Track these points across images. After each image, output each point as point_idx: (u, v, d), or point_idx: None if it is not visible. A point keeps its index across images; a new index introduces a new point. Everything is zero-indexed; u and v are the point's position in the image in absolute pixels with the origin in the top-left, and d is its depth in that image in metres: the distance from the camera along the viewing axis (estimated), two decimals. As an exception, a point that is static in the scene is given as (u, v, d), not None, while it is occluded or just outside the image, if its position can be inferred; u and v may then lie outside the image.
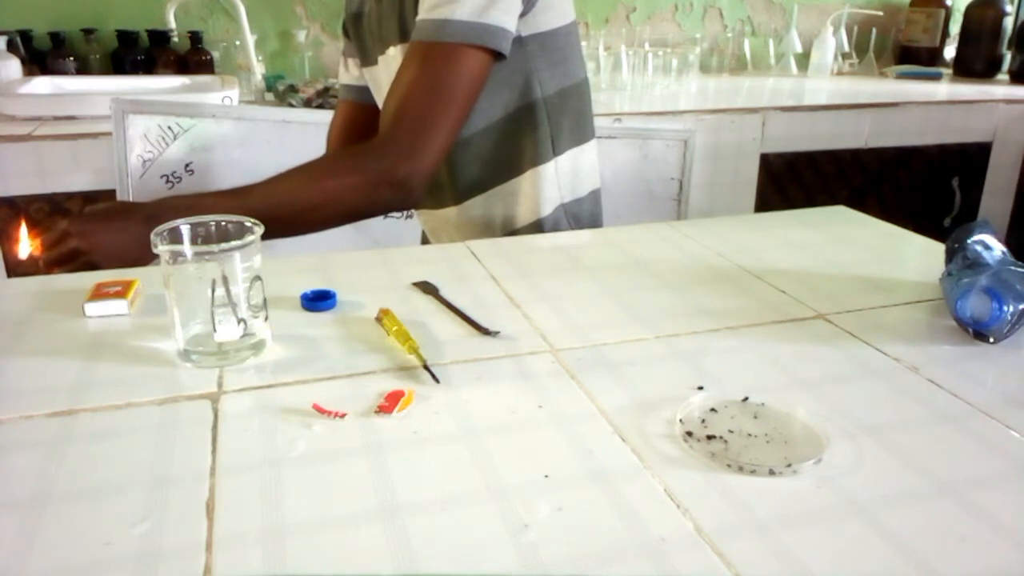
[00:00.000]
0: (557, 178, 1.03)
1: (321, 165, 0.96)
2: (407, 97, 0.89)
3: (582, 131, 1.06)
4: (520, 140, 1.00)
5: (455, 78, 0.89)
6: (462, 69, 0.89)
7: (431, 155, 0.89)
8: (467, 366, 0.62)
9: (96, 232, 0.85)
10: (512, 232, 1.04)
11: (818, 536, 0.43)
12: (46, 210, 1.57)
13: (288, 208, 0.88)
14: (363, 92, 1.15)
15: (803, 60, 2.51)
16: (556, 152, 1.02)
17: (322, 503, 0.46)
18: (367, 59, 1.10)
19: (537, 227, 1.03)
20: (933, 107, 2.06)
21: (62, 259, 0.84)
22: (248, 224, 0.63)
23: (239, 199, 0.86)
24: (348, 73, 1.17)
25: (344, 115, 1.20)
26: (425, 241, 1.22)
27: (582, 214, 1.07)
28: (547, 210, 1.03)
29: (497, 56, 0.91)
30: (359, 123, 1.17)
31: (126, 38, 2.01)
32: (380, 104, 1.11)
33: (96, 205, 0.90)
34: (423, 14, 0.90)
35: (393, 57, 1.02)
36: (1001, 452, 0.51)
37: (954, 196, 2.14)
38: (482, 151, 1.01)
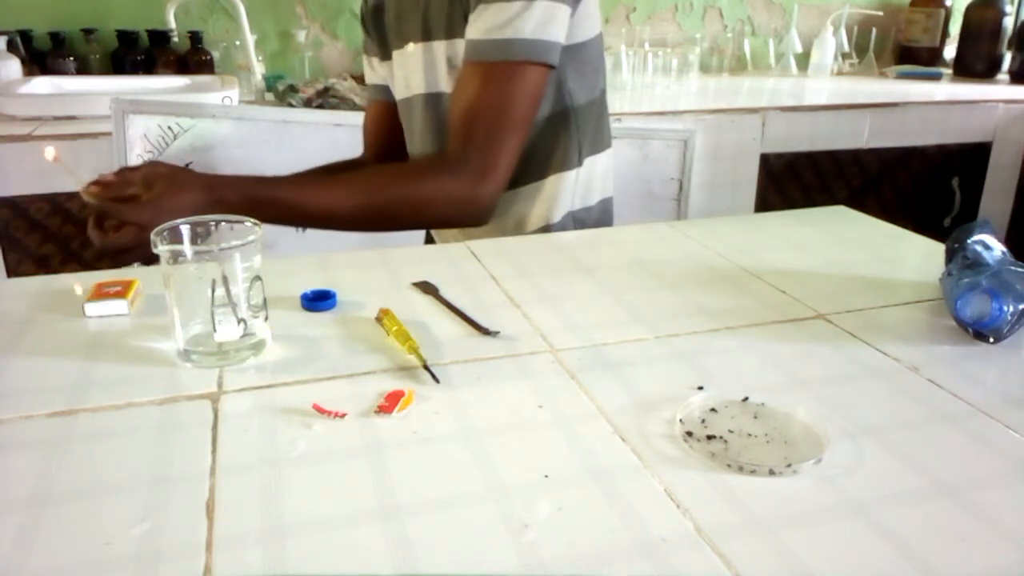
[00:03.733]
0: (575, 186, 1.03)
1: (397, 174, 0.95)
2: (477, 117, 0.90)
3: (601, 140, 1.06)
4: (547, 147, 1.01)
5: (521, 95, 0.91)
6: (527, 86, 0.91)
7: (503, 174, 0.91)
8: (467, 366, 0.62)
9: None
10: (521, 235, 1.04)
11: (818, 536, 0.43)
12: (46, 210, 1.57)
13: (365, 210, 0.89)
14: (389, 92, 1.15)
15: (803, 60, 2.51)
16: (580, 161, 1.03)
17: (322, 503, 0.46)
18: (385, 53, 1.11)
19: (545, 232, 1.03)
20: (933, 107, 2.06)
21: (126, 250, 0.83)
22: (248, 224, 0.63)
23: (314, 190, 0.90)
24: (375, 73, 1.18)
25: (375, 116, 1.21)
26: (429, 240, 1.22)
27: (588, 222, 1.07)
28: (557, 216, 1.03)
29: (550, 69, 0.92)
30: (391, 122, 1.17)
31: (126, 38, 2.01)
32: (399, 99, 1.12)
33: (157, 173, 0.86)
34: (483, 34, 0.90)
35: (411, 54, 1.03)
36: (1001, 452, 0.51)
37: (954, 196, 2.14)
38: None
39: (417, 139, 1.09)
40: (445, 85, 1.02)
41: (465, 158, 0.90)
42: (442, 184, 0.91)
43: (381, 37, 1.11)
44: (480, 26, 0.91)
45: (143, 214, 0.79)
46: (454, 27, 0.97)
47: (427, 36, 1.00)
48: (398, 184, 0.92)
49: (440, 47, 1.00)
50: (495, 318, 0.70)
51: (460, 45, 0.97)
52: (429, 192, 0.91)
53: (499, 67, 0.90)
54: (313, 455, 0.50)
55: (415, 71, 1.05)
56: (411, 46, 1.03)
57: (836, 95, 2.16)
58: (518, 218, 1.04)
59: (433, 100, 1.05)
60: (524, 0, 0.88)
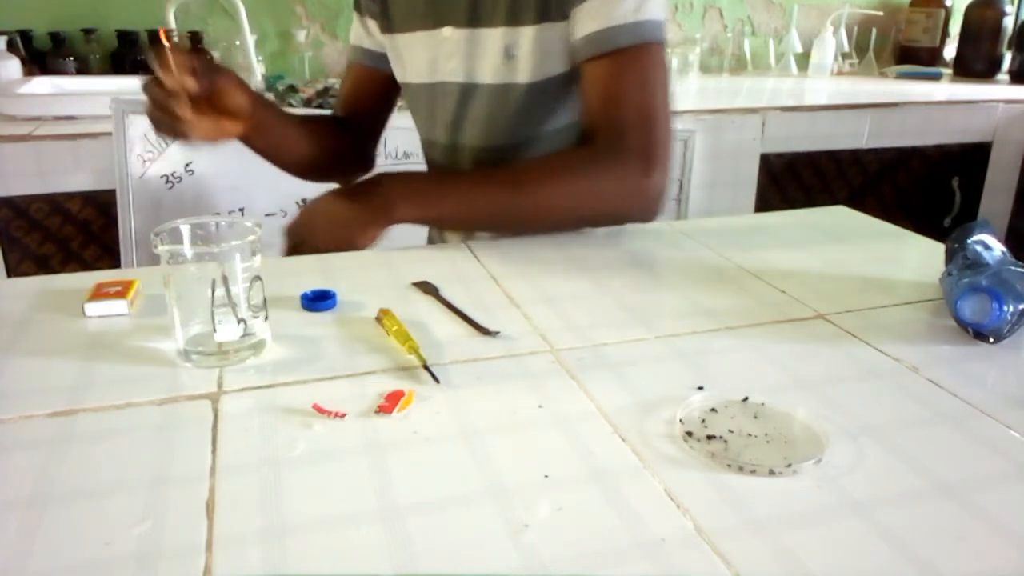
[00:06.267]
0: None
1: (562, 170, 0.89)
2: (626, 105, 0.87)
3: None
4: None
5: (663, 76, 0.89)
6: (664, 67, 0.90)
7: (668, 159, 0.88)
8: (467, 366, 0.62)
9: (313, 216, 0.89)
10: None
11: (818, 536, 0.43)
12: (46, 210, 1.57)
13: (535, 210, 0.87)
14: (380, 59, 1.11)
15: (803, 60, 2.51)
16: None
17: (322, 503, 0.46)
18: (389, 25, 1.06)
19: None
20: (933, 107, 2.06)
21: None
22: (248, 224, 0.63)
23: (501, 189, 0.88)
24: (369, 37, 1.12)
25: (355, 81, 1.16)
26: (431, 241, 1.21)
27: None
28: None
29: None
30: (370, 91, 1.15)
31: (126, 38, 2.01)
32: (398, 76, 1.09)
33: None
34: (608, 22, 0.87)
35: (448, 38, 0.98)
36: (1001, 452, 0.51)
37: (954, 196, 2.14)
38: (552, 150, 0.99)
39: (441, 128, 1.05)
40: (491, 76, 0.97)
41: (627, 148, 0.86)
42: (613, 176, 0.86)
43: (384, 7, 1.06)
44: (603, 13, 0.88)
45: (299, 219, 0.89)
46: (519, 14, 0.93)
47: (474, 22, 0.96)
48: (566, 180, 0.87)
49: (494, 35, 0.95)
50: (495, 318, 0.70)
51: (526, 33, 0.93)
52: (602, 187, 0.86)
53: (634, 51, 0.87)
54: (313, 455, 0.50)
55: (451, 57, 1.00)
56: (448, 30, 0.98)
57: (836, 95, 2.16)
58: None
59: (470, 90, 1.00)
60: None
